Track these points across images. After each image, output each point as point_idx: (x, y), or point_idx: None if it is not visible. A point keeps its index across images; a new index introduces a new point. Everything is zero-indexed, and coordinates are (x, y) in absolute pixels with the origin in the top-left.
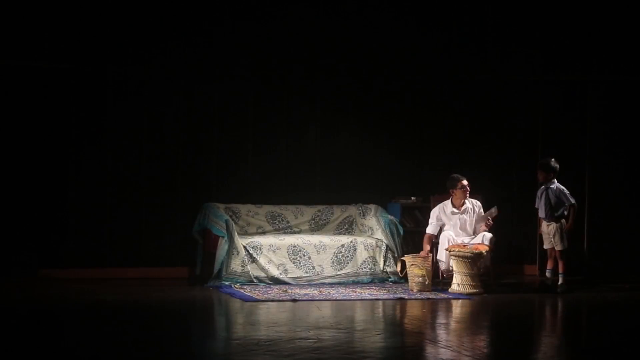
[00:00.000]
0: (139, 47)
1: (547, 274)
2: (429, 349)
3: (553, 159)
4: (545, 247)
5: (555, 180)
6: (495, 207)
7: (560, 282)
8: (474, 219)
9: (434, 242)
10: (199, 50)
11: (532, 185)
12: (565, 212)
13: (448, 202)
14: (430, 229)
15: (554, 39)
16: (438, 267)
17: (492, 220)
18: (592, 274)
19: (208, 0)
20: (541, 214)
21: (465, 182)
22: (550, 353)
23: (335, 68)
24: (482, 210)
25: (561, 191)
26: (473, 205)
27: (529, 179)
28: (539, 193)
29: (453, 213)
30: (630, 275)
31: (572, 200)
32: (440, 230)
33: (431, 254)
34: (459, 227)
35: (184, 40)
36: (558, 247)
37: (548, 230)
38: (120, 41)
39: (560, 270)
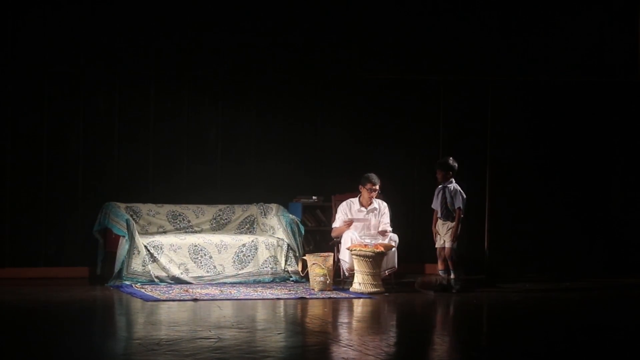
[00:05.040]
0: (38, 48)
1: (441, 274)
2: (331, 348)
3: (451, 158)
4: (436, 246)
5: (454, 180)
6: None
7: (452, 278)
8: (379, 219)
9: (337, 241)
10: (98, 52)
11: (433, 185)
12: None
13: (355, 200)
14: (337, 224)
15: (457, 40)
16: (339, 266)
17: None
18: (492, 274)
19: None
20: (438, 213)
21: (376, 186)
22: (450, 352)
23: (236, 68)
24: (387, 210)
25: (457, 192)
26: (379, 205)
27: (430, 179)
28: (436, 192)
29: (359, 211)
30: (530, 275)
31: (459, 204)
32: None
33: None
34: (363, 225)
35: (83, 43)
36: (447, 245)
37: (443, 230)
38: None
39: (451, 268)
